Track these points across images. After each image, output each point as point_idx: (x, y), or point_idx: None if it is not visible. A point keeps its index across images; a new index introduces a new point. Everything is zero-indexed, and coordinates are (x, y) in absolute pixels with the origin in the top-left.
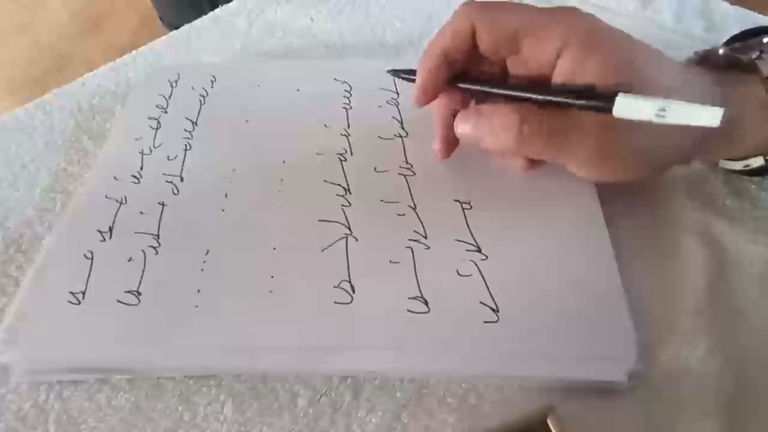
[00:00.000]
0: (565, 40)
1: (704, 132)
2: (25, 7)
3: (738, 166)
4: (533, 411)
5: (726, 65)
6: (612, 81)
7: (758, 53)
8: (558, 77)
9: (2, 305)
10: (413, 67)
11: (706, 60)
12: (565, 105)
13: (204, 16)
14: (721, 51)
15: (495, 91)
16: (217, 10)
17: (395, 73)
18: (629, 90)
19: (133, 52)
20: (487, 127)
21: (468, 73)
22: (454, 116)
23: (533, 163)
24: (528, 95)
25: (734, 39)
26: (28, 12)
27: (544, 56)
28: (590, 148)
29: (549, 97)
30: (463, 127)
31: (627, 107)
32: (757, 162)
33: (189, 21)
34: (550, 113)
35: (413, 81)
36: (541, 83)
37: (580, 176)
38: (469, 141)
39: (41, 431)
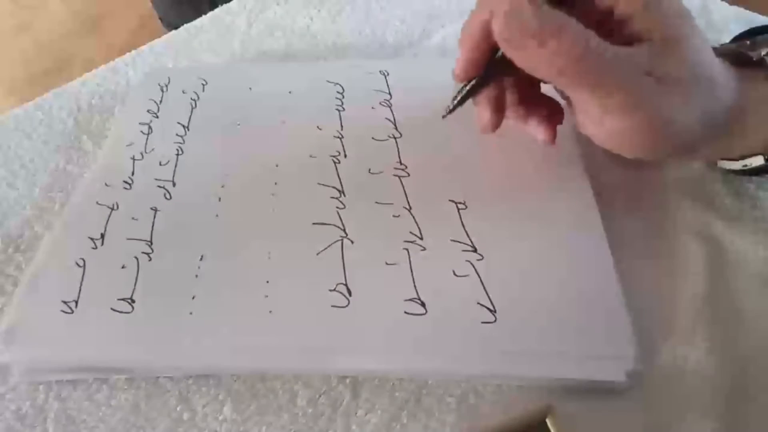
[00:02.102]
0: None
1: (719, 122)
2: (25, 7)
3: (737, 166)
4: (532, 411)
5: (733, 62)
6: (669, 51)
7: (767, 50)
8: (617, 14)
9: (1, 305)
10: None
11: (721, 54)
12: None
13: (203, 16)
14: (729, 47)
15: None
16: (216, 10)
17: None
18: None
19: (133, 51)
20: (546, 35)
21: None
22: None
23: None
24: None
25: (740, 37)
26: (28, 12)
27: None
28: (625, 91)
29: None
30: (509, 23)
31: None
32: (757, 161)
33: (189, 21)
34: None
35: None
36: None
37: (595, 134)
38: (507, 44)
39: (40, 431)
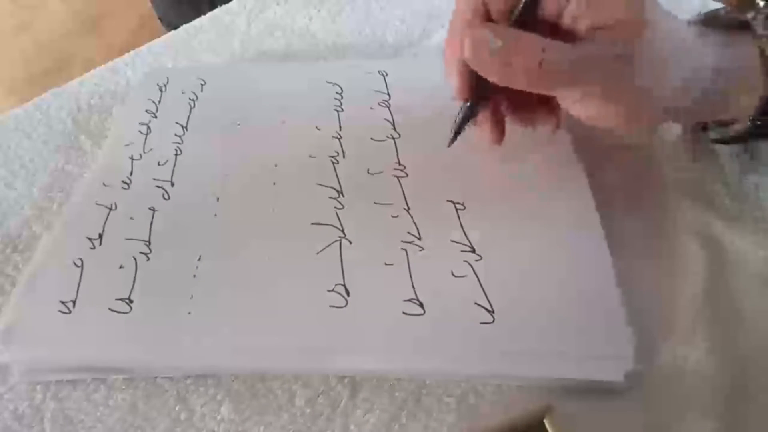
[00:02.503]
0: None
1: (704, 86)
2: (25, 7)
3: (721, 133)
4: (531, 411)
5: (726, 25)
6: (620, 31)
7: (754, 14)
8: (567, 17)
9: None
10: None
11: (709, 20)
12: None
13: (203, 16)
14: (723, 12)
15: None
16: (216, 10)
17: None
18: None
19: (132, 51)
20: (505, 52)
21: None
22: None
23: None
24: None
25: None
26: (28, 12)
27: (551, 7)
28: (599, 84)
29: None
30: (474, 48)
31: None
32: (743, 125)
33: (188, 21)
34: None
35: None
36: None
37: (582, 116)
38: (478, 66)
39: (37, 431)
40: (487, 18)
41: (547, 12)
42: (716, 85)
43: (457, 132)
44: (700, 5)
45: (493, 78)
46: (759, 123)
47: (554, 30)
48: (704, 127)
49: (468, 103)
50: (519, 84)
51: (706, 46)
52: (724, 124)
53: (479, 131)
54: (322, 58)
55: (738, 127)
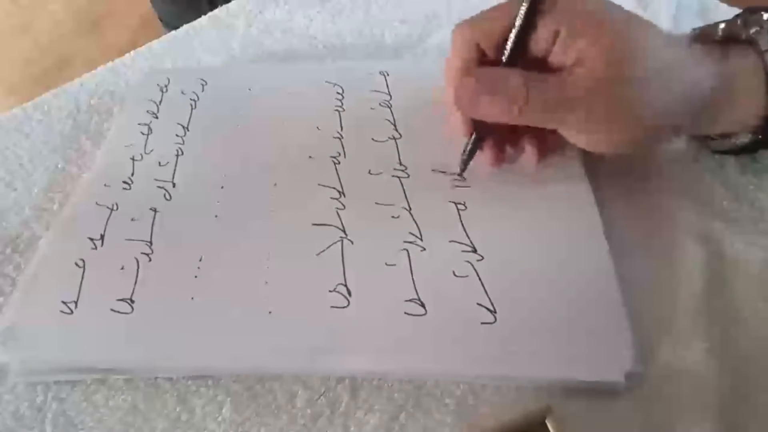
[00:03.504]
0: (556, 25)
1: (699, 104)
2: (25, 7)
3: (727, 145)
4: (531, 412)
5: (724, 40)
6: (599, 62)
7: (757, 28)
8: (554, 62)
9: (0, 305)
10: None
11: (705, 35)
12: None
13: (203, 17)
14: (721, 26)
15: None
16: (216, 11)
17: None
18: None
19: (132, 52)
20: (489, 93)
21: None
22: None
23: (501, 156)
24: None
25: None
26: (28, 12)
27: (541, 45)
28: (583, 115)
29: None
30: (461, 97)
31: None
32: (745, 138)
33: (188, 21)
34: (544, 78)
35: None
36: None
37: (576, 144)
38: (465, 108)
39: (38, 431)
40: (482, 55)
41: (536, 50)
42: (713, 100)
43: (466, 164)
44: (699, 7)
45: (484, 118)
46: (760, 137)
47: (543, 67)
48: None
49: (473, 137)
50: (508, 120)
51: (702, 62)
52: (725, 135)
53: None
54: (322, 59)
55: (739, 141)
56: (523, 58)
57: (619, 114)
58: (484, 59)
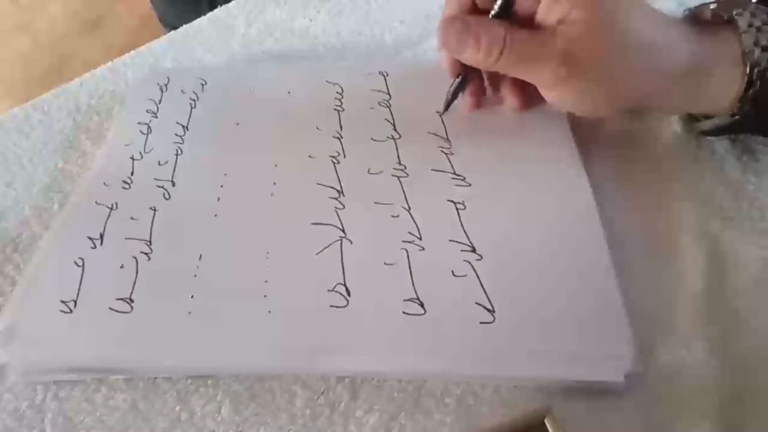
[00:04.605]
0: None
1: (675, 81)
2: (25, 7)
3: (709, 125)
4: (530, 412)
5: (712, 20)
6: (580, 24)
7: (740, 10)
8: (539, 14)
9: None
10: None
11: (695, 16)
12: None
13: (203, 17)
14: (711, 6)
15: None
16: (215, 11)
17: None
18: None
19: (132, 52)
20: (473, 37)
21: None
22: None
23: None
24: None
25: None
26: (28, 12)
27: (528, 3)
28: (555, 70)
29: None
30: (447, 36)
31: None
32: (725, 119)
33: (188, 21)
34: (524, 32)
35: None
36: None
37: (551, 102)
38: (451, 50)
39: (38, 431)
40: (474, 10)
41: (522, 9)
42: (692, 78)
43: (449, 102)
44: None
45: (467, 61)
46: (737, 117)
47: (530, 26)
48: (696, 119)
49: (459, 78)
50: (488, 66)
51: (684, 40)
52: (709, 117)
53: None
54: (321, 59)
55: (719, 121)
56: (511, 15)
57: (591, 75)
58: (475, 9)
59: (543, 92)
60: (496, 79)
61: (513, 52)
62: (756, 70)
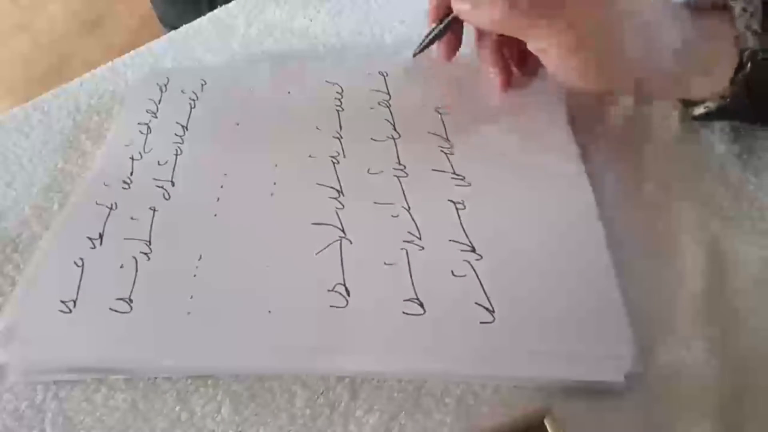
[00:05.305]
0: None
1: (669, 64)
2: (25, 7)
3: (701, 110)
4: (530, 412)
5: (712, 5)
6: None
7: None
8: None
9: None
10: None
11: (690, 2)
12: None
13: (203, 17)
14: None
15: None
16: (215, 11)
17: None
18: None
19: (132, 52)
20: None
21: None
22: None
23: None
24: None
25: None
26: (28, 12)
27: None
28: (548, 29)
29: None
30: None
31: None
32: (716, 103)
33: (188, 21)
34: None
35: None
36: None
37: (551, 68)
38: (459, 11)
39: (38, 431)
40: None
41: None
42: (686, 62)
43: (424, 47)
44: None
45: (469, 19)
46: (728, 101)
47: None
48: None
49: (440, 24)
50: (490, 26)
51: (681, 24)
52: (701, 101)
53: (487, 81)
54: (321, 59)
55: (711, 105)
56: None
57: (586, 46)
58: None
59: (545, 59)
60: (495, 51)
61: (515, 10)
62: (746, 53)
